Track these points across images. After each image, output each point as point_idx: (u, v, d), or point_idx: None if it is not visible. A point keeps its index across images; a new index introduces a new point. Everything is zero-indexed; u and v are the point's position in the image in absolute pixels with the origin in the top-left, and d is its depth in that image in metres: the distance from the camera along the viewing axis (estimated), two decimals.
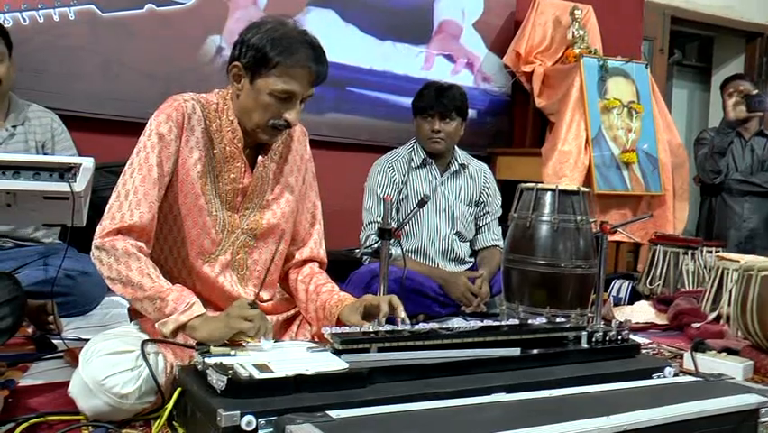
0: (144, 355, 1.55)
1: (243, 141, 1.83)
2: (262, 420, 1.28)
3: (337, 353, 1.58)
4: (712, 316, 2.84)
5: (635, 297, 3.51)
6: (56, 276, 2.23)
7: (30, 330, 2.27)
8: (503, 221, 3.12)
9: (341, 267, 2.85)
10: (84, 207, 1.84)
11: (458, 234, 3.10)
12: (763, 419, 1.49)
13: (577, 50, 4.27)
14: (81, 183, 1.75)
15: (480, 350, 1.71)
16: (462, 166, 3.15)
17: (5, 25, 2.85)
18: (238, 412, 1.27)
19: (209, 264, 1.84)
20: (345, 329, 1.66)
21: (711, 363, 2.22)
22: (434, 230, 3.06)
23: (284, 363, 1.47)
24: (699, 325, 2.78)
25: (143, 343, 1.58)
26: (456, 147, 3.15)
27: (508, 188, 3.18)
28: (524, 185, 2.64)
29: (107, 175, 2.87)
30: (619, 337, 1.91)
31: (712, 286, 2.93)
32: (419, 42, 4.31)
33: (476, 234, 3.20)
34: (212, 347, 1.54)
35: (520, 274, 2.54)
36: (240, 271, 1.89)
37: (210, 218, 1.81)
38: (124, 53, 3.43)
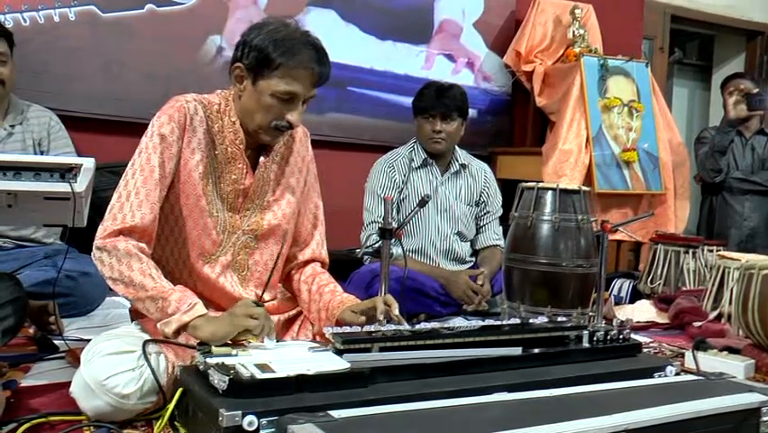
0: (146, 356, 1.56)
1: (245, 142, 1.83)
2: (264, 420, 1.28)
3: (339, 352, 1.58)
4: (713, 315, 2.84)
5: (636, 296, 3.51)
6: (57, 277, 2.23)
7: (31, 331, 2.27)
8: (504, 220, 3.12)
9: (342, 267, 2.85)
10: (84, 207, 1.84)
11: (459, 233, 3.10)
12: (764, 418, 1.49)
13: (577, 50, 4.26)
14: (82, 184, 1.75)
15: (482, 350, 1.71)
16: (463, 166, 3.15)
17: (6, 26, 2.86)
18: (240, 412, 1.27)
19: (210, 265, 1.84)
20: (347, 329, 1.66)
21: (712, 362, 2.21)
22: (436, 230, 3.06)
23: (285, 363, 1.47)
24: (700, 324, 2.78)
25: (145, 343, 1.58)
26: (457, 147, 3.15)
27: (509, 188, 3.18)
28: (524, 184, 2.64)
29: (108, 175, 2.88)
30: (620, 337, 1.91)
31: (713, 285, 2.92)
32: (420, 42, 4.31)
33: (477, 234, 3.20)
34: (213, 347, 1.54)
35: (521, 274, 2.54)
36: (241, 271, 1.89)
37: (211, 219, 1.81)
38: (125, 54, 3.43)
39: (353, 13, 4.05)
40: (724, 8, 6.09)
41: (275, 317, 1.93)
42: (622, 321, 1.96)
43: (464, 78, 4.41)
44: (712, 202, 4.40)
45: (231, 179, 1.84)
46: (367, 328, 1.70)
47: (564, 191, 2.54)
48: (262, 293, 1.81)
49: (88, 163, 1.77)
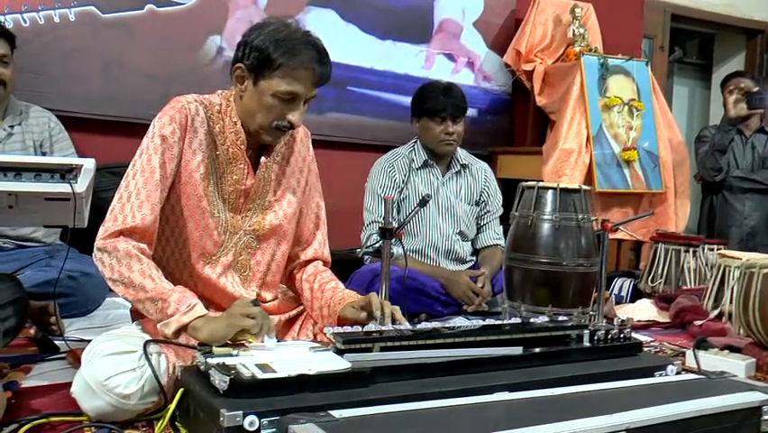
0: (147, 356, 1.56)
1: (246, 142, 1.83)
2: (265, 420, 1.28)
3: (340, 352, 1.58)
4: (714, 313, 2.84)
5: (636, 295, 3.51)
6: (58, 277, 2.23)
7: (32, 331, 2.27)
8: (504, 220, 3.12)
9: (342, 267, 2.84)
10: (85, 208, 1.84)
11: (460, 233, 3.09)
12: (765, 417, 1.49)
13: (577, 49, 4.27)
14: (82, 184, 1.76)
15: (483, 349, 1.71)
16: (464, 166, 3.15)
17: (6, 27, 2.86)
18: (241, 412, 1.28)
19: (211, 266, 1.84)
20: (348, 329, 1.66)
21: (713, 360, 2.21)
22: (437, 230, 3.06)
23: (286, 363, 1.47)
24: (701, 323, 2.78)
25: (146, 343, 1.58)
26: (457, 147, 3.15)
27: (509, 187, 3.18)
28: (525, 184, 2.63)
29: (108, 176, 2.88)
30: (621, 336, 1.91)
31: (714, 284, 2.92)
32: (420, 42, 4.30)
33: (477, 234, 3.20)
34: (214, 348, 1.54)
35: (522, 273, 2.54)
36: (242, 272, 1.89)
37: (212, 220, 1.82)
38: (125, 54, 3.43)
39: (353, 12, 4.05)
40: (724, 7, 6.09)
41: (276, 318, 1.93)
42: (623, 320, 1.95)
43: (464, 78, 4.41)
44: (712, 201, 4.40)
45: (232, 180, 1.84)
46: (368, 328, 1.69)
47: (565, 190, 2.54)
48: (258, 292, 1.82)
49: (89, 164, 1.78)
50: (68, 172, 1.75)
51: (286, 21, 1.80)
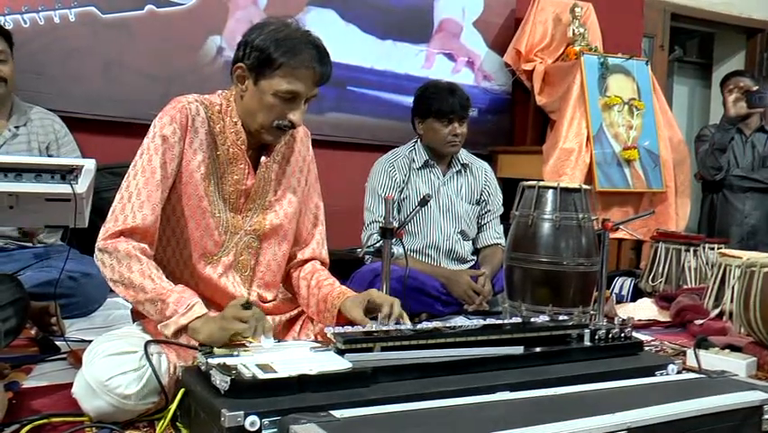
0: (147, 356, 1.55)
1: (247, 142, 1.83)
2: (266, 420, 1.28)
3: (340, 352, 1.58)
4: (715, 313, 2.84)
5: (637, 294, 3.51)
6: (59, 278, 2.23)
7: (33, 332, 2.27)
8: (504, 219, 3.12)
9: (342, 266, 2.85)
10: (86, 208, 1.84)
11: (462, 232, 3.09)
12: (766, 416, 1.49)
13: (577, 48, 4.27)
14: (83, 185, 1.76)
15: (484, 349, 1.71)
16: (464, 165, 3.15)
17: (6, 27, 2.86)
18: (242, 412, 1.27)
19: (212, 266, 1.84)
20: (348, 329, 1.66)
21: (714, 360, 2.21)
22: (438, 230, 3.06)
23: (287, 363, 1.47)
24: (701, 322, 2.78)
25: (146, 343, 1.58)
26: None
27: (510, 187, 3.18)
28: (525, 183, 2.63)
29: (108, 176, 2.88)
30: (622, 335, 1.91)
31: (714, 283, 2.92)
32: (419, 41, 4.31)
33: (477, 233, 3.20)
34: (215, 348, 1.54)
35: (522, 272, 2.53)
36: (243, 272, 1.90)
37: (213, 220, 1.82)
38: (125, 54, 3.43)
39: (353, 12, 4.05)
40: (724, 6, 6.09)
41: (276, 318, 1.93)
42: (623, 319, 1.95)
43: (464, 78, 4.41)
44: (713, 200, 4.40)
45: (233, 180, 1.84)
46: (368, 328, 1.69)
47: (565, 190, 2.54)
48: (259, 292, 1.82)
49: (89, 164, 1.78)
50: (68, 173, 1.75)
51: (286, 21, 1.80)
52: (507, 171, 4.34)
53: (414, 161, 3.07)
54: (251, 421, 1.28)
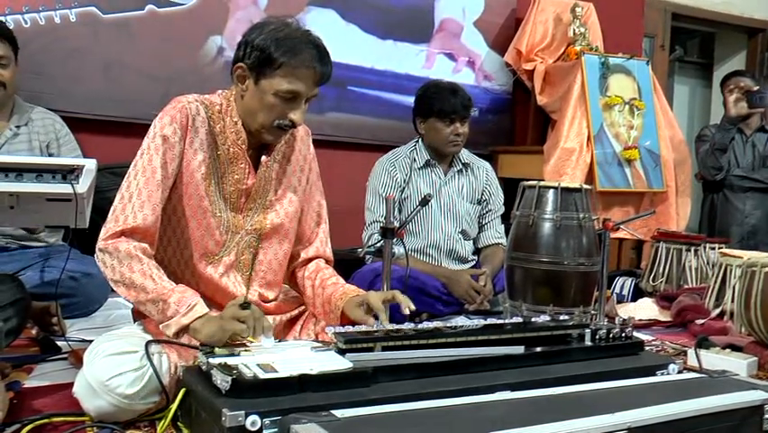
0: (148, 356, 1.55)
1: (247, 142, 1.83)
2: (267, 420, 1.28)
3: (341, 352, 1.58)
4: (715, 312, 2.84)
5: (638, 294, 3.51)
6: (59, 278, 2.23)
7: (34, 332, 2.27)
8: (505, 219, 3.12)
9: (343, 266, 2.83)
10: (86, 208, 1.85)
11: (463, 232, 3.09)
12: (767, 416, 1.49)
13: (578, 48, 4.26)
14: (84, 185, 1.76)
15: (484, 348, 1.71)
16: (465, 165, 3.15)
17: (8, 27, 2.86)
18: (243, 412, 1.28)
19: (213, 265, 1.84)
20: (349, 328, 1.66)
21: (715, 359, 2.21)
22: (439, 229, 3.06)
23: (288, 363, 1.47)
24: (702, 321, 2.78)
25: (147, 343, 1.58)
26: None
27: (510, 187, 3.18)
28: (526, 183, 2.63)
29: (109, 176, 2.88)
30: (623, 335, 1.91)
31: (715, 282, 2.92)
32: (420, 41, 4.31)
33: (479, 233, 3.20)
34: (216, 348, 1.54)
35: (523, 272, 2.53)
36: (244, 271, 1.90)
37: (214, 219, 1.82)
38: (126, 54, 3.43)
39: (354, 12, 4.05)
40: (724, 6, 6.09)
41: (277, 317, 1.93)
42: (624, 319, 1.95)
43: (465, 77, 4.41)
44: (713, 200, 4.40)
45: (233, 180, 1.84)
46: (369, 328, 1.69)
47: (566, 190, 2.54)
48: (260, 292, 1.82)
49: (90, 164, 1.78)
50: (69, 173, 1.75)
51: (286, 20, 1.80)
52: (508, 171, 4.34)
53: (415, 160, 3.07)
54: (252, 421, 1.28)
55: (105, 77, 3.39)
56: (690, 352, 2.32)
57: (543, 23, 4.47)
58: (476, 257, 3.18)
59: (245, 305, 1.63)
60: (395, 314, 1.90)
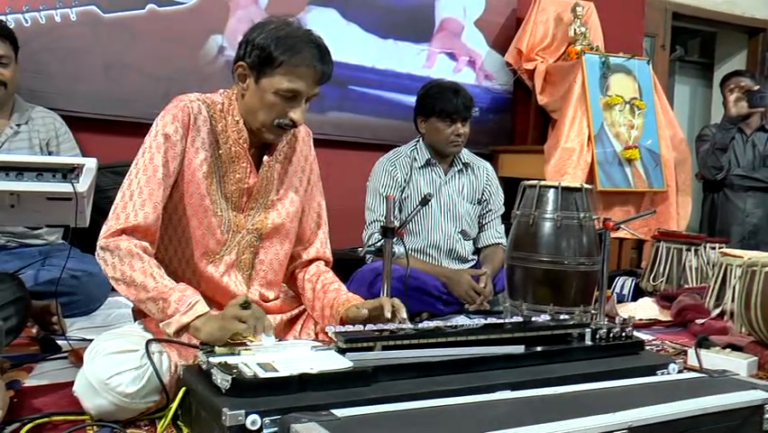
0: (149, 355, 1.55)
1: (249, 141, 1.83)
2: (267, 419, 1.28)
3: (341, 351, 1.58)
4: (716, 312, 2.84)
5: (638, 294, 3.50)
6: (60, 276, 2.23)
7: (34, 331, 2.27)
8: (506, 219, 3.12)
9: (344, 266, 2.84)
10: (87, 207, 1.85)
11: (463, 232, 3.09)
12: (767, 416, 1.49)
13: (579, 47, 4.26)
14: (84, 184, 1.76)
15: (484, 348, 1.71)
16: (466, 165, 3.15)
17: (9, 27, 2.86)
18: (243, 411, 1.28)
19: (214, 264, 1.84)
20: (349, 328, 1.66)
21: (715, 359, 2.21)
22: (439, 229, 3.06)
23: (288, 363, 1.47)
24: (702, 321, 2.78)
25: (147, 342, 1.58)
26: None
27: (511, 186, 3.18)
28: (526, 182, 2.63)
29: (110, 176, 2.89)
30: (623, 334, 1.91)
31: (716, 282, 2.92)
32: (421, 40, 4.30)
33: (479, 233, 3.20)
34: (216, 347, 1.54)
35: (523, 272, 2.53)
36: (245, 271, 1.90)
37: (215, 218, 1.82)
38: (126, 54, 3.43)
39: (354, 11, 4.05)
40: (725, 5, 6.08)
41: (278, 317, 1.94)
42: (624, 319, 1.95)
43: (466, 77, 4.41)
44: (714, 199, 4.40)
45: (235, 179, 1.84)
46: (370, 327, 1.69)
47: (566, 189, 2.54)
48: (261, 291, 1.82)
49: (90, 163, 1.78)
50: (69, 172, 1.75)
51: (287, 19, 1.80)
52: (509, 171, 4.34)
53: (415, 160, 3.07)
54: (252, 420, 1.28)
55: (106, 76, 3.39)
56: (691, 351, 2.32)
57: (543, 23, 4.47)
58: (476, 257, 3.18)
59: (246, 304, 1.63)
60: None
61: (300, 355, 1.57)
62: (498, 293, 2.92)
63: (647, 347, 2.05)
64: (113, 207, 1.70)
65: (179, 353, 1.63)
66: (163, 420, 1.49)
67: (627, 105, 4.19)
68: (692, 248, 3.44)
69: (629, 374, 1.69)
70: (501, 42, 4.56)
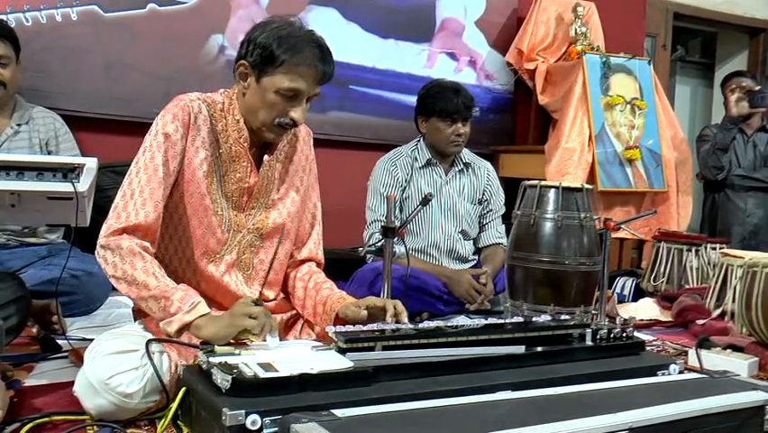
0: (149, 355, 1.55)
1: (249, 140, 1.83)
2: (267, 419, 1.28)
3: (342, 351, 1.58)
4: (717, 312, 2.83)
5: (638, 294, 3.50)
6: (60, 276, 2.23)
7: (34, 330, 2.27)
8: (506, 219, 3.12)
9: (344, 265, 2.85)
10: (87, 207, 1.84)
11: (463, 232, 3.09)
12: None
13: (579, 47, 4.26)
14: (84, 183, 1.76)
15: (485, 348, 1.71)
16: (466, 165, 3.15)
17: (10, 27, 2.86)
18: (243, 411, 1.27)
19: (214, 264, 1.84)
20: (350, 328, 1.66)
21: (716, 360, 2.21)
22: (439, 229, 3.06)
23: (289, 362, 1.47)
24: (703, 322, 2.78)
25: (148, 342, 1.58)
26: None
27: (512, 186, 3.17)
28: (527, 182, 2.63)
29: (110, 175, 2.89)
30: (624, 335, 1.91)
31: (716, 283, 2.92)
32: (422, 40, 4.30)
33: (479, 233, 3.20)
34: (216, 347, 1.54)
35: (524, 272, 2.53)
36: (246, 270, 1.89)
37: (216, 218, 1.82)
38: (127, 53, 3.43)
39: (355, 11, 4.05)
40: (726, 5, 6.08)
41: (278, 316, 1.93)
42: (625, 319, 1.95)
43: (466, 77, 4.41)
44: (715, 199, 4.40)
45: (235, 178, 1.84)
46: (370, 327, 1.69)
47: (567, 189, 2.53)
48: (261, 291, 1.82)
49: (91, 163, 1.78)
50: (70, 171, 1.75)
51: (290, 19, 1.81)
52: (509, 171, 4.34)
53: (416, 159, 3.07)
54: (253, 420, 1.28)
55: (107, 75, 3.39)
56: (691, 352, 2.32)
57: (544, 23, 4.46)
58: (476, 257, 3.18)
59: (257, 301, 1.64)
60: None
61: (300, 355, 1.57)
62: (498, 293, 2.92)
63: (648, 348, 2.05)
64: (113, 207, 1.70)
65: (179, 353, 1.63)
66: (163, 420, 1.49)
67: (628, 106, 4.18)
68: (693, 248, 3.44)
69: (630, 375, 1.69)
70: (502, 42, 4.55)
